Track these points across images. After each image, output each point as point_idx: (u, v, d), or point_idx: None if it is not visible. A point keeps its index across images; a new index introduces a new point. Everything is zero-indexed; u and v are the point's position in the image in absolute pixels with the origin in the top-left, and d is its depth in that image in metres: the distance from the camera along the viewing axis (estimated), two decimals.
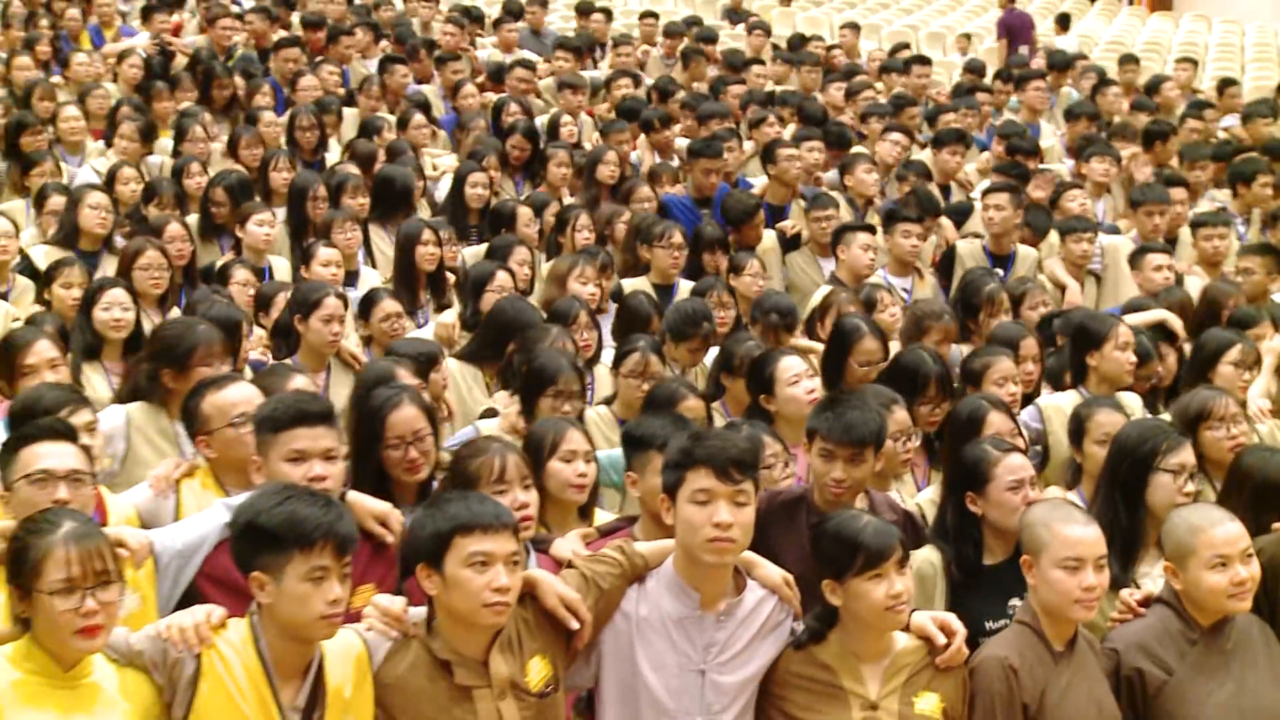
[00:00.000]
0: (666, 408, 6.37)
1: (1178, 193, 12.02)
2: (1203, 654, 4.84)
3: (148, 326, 7.99)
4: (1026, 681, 4.67)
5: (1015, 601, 5.27)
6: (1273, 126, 15.70)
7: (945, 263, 10.68)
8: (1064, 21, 25.28)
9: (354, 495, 5.22)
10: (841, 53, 19.96)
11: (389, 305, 8.27)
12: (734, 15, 22.91)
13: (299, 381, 6.46)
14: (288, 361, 7.71)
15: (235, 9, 18.66)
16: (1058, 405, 7.42)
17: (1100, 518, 5.45)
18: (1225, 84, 18.56)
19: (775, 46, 20.27)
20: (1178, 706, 4.80)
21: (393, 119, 14.15)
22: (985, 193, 11.17)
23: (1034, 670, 4.70)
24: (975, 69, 18.97)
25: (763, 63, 18.46)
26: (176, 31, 18.23)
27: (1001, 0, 26.06)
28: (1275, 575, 5.02)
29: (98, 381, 7.52)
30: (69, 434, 5.24)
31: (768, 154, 12.18)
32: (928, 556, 5.55)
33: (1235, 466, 5.84)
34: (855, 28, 22.19)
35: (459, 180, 11.85)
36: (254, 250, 10.00)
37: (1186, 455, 5.65)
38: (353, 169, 11.81)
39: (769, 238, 10.92)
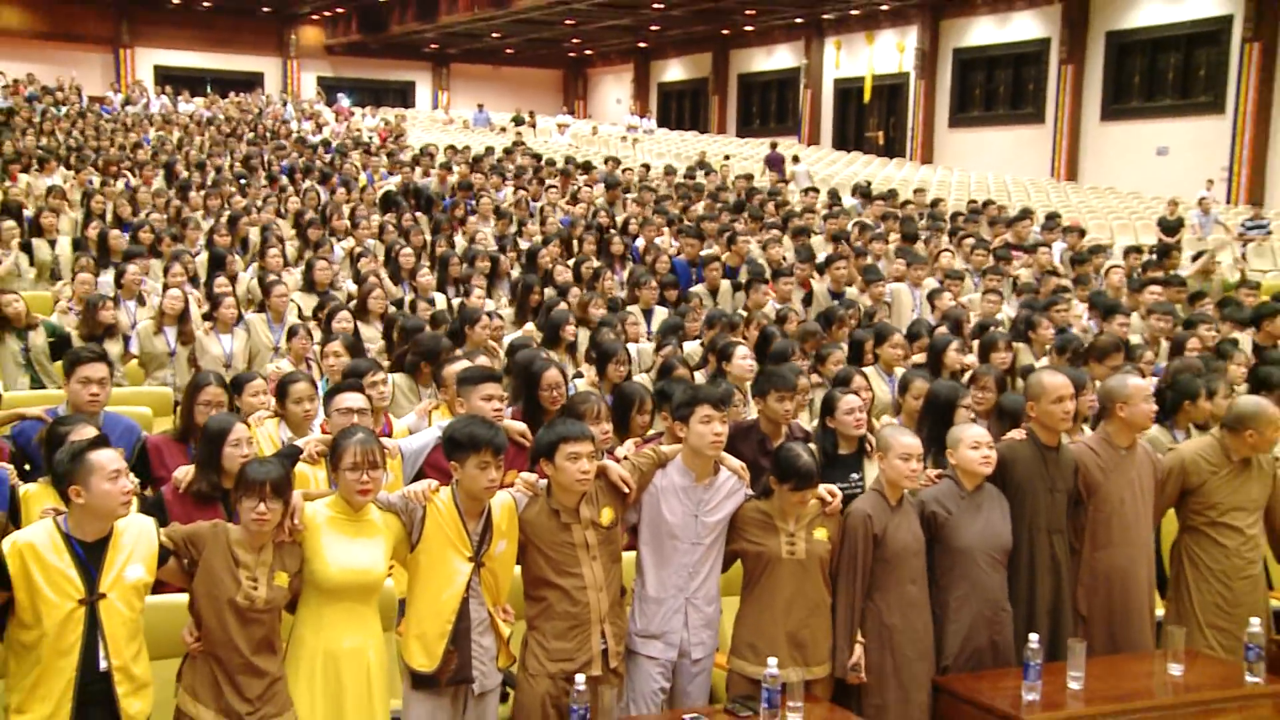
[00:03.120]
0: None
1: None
2: (968, 504, 4.98)
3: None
4: (875, 522, 4.80)
5: (854, 475, 5.47)
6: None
7: (806, 298, 10.75)
8: (795, 159, 25.00)
9: (506, 421, 5.41)
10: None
11: (492, 320, 8.37)
12: (701, 165, 22.91)
13: (483, 358, 6.75)
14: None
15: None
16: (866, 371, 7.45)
17: (919, 433, 5.51)
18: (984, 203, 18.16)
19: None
20: (953, 532, 4.95)
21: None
22: (831, 259, 11.35)
23: (879, 516, 4.80)
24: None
25: (727, 189, 18.82)
26: (426, 171, 18.73)
27: (772, 142, 27.12)
28: (1003, 464, 5.09)
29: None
30: (360, 387, 5.54)
31: (731, 239, 12.18)
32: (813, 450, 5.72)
33: (998, 403, 6.00)
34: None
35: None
36: (424, 291, 10.13)
37: (970, 400, 5.88)
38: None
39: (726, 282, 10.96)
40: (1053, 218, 16.21)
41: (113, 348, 8.26)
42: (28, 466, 5.31)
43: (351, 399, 5.26)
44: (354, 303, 9.38)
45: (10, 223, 11.46)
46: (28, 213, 12.78)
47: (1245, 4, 24.55)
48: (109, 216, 13.03)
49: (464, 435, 4.38)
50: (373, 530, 4.30)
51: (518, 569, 4.65)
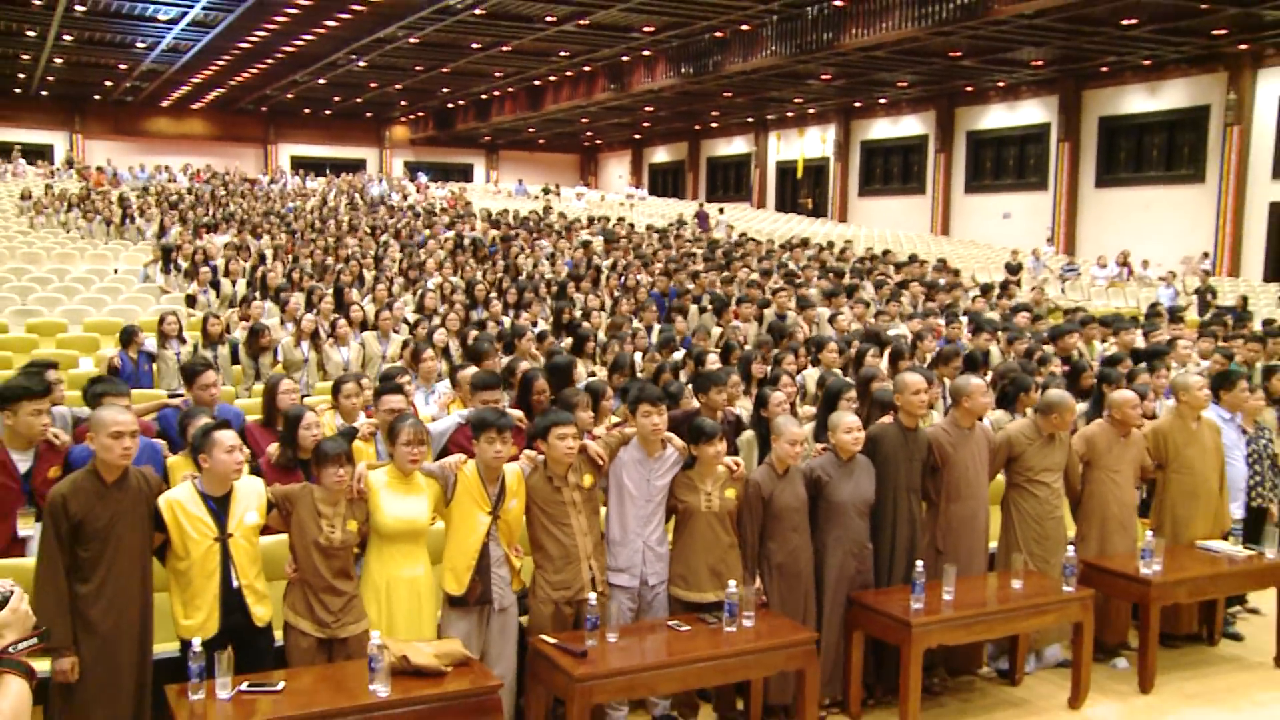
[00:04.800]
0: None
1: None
2: (844, 471, 4.84)
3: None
4: (763, 488, 4.61)
5: None
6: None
7: (760, 317, 10.14)
8: (720, 210, 25.09)
9: (510, 411, 5.14)
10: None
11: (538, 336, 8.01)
12: (680, 223, 22.64)
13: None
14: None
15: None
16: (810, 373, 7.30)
17: (818, 419, 5.59)
18: (884, 252, 18.34)
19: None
20: (832, 490, 4.80)
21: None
22: (775, 291, 10.94)
23: (766, 484, 4.62)
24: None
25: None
26: (472, 227, 18.57)
27: (700, 203, 27.26)
28: (874, 441, 4.99)
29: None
30: (400, 389, 5.26)
31: (694, 276, 12.09)
32: (750, 434, 5.56)
33: (868, 394, 5.76)
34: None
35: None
36: (495, 315, 9.75)
37: (852, 393, 5.69)
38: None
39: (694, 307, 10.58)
40: (942, 262, 16.40)
41: (266, 359, 8.29)
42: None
43: (394, 400, 5.10)
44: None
45: (206, 269, 11.72)
46: (214, 261, 12.87)
47: (1059, 115, 25.78)
48: (268, 262, 13.09)
49: (478, 420, 4.35)
50: (419, 490, 4.25)
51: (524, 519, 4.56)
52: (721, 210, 25.58)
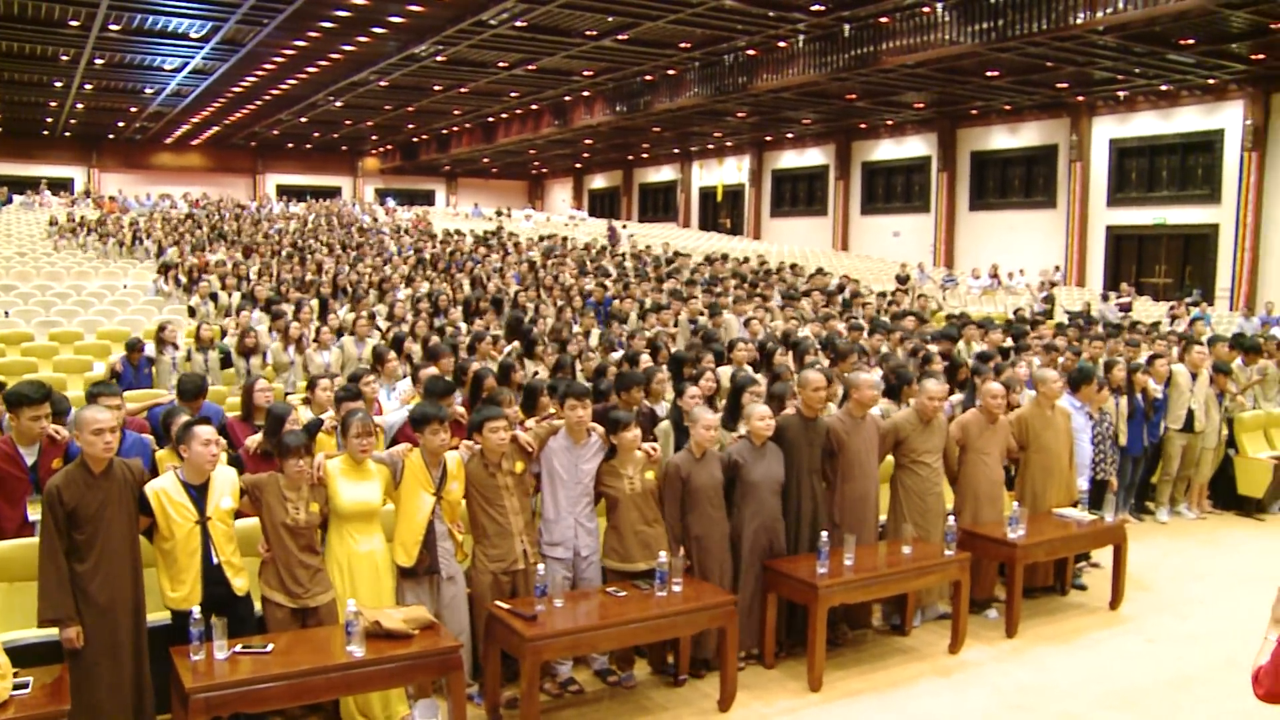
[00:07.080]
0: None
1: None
2: (757, 455, 4.77)
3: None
4: (682, 470, 4.49)
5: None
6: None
7: (675, 321, 10.02)
8: (624, 226, 25.16)
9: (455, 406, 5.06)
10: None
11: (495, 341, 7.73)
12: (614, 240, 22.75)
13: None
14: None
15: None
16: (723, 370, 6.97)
17: (726, 409, 5.49)
18: (791, 266, 18.44)
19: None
20: (748, 472, 4.72)
21: None
22: (688, 297, 10.79)
23: (684, 466, 4.45)
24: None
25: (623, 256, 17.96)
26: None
27: (609, 222, 27.30)
28: (780, 429, 4.89)
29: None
30: (359, 394, 5.16)
31: (625, 286, 11.88)
32: (667, 424, 5.45)
33: (769, 389, 5.60)
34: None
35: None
36: (453, 322, 9.55)
37: (759, 388, 5.57)
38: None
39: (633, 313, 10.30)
40: (823, 272, 16.49)
41: (255, 361, 8.08)
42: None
43: (350, 405, 4.95)
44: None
45: (205, 283, 11.57)
46: (210, 276, 12.64)
47: (938, 149, 26.30)
48: (254, 277, 12.83)
49: (420, 414, 4.25)
50: (370, 476, 4.14)
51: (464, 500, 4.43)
52: (625, 226, 25.70)
